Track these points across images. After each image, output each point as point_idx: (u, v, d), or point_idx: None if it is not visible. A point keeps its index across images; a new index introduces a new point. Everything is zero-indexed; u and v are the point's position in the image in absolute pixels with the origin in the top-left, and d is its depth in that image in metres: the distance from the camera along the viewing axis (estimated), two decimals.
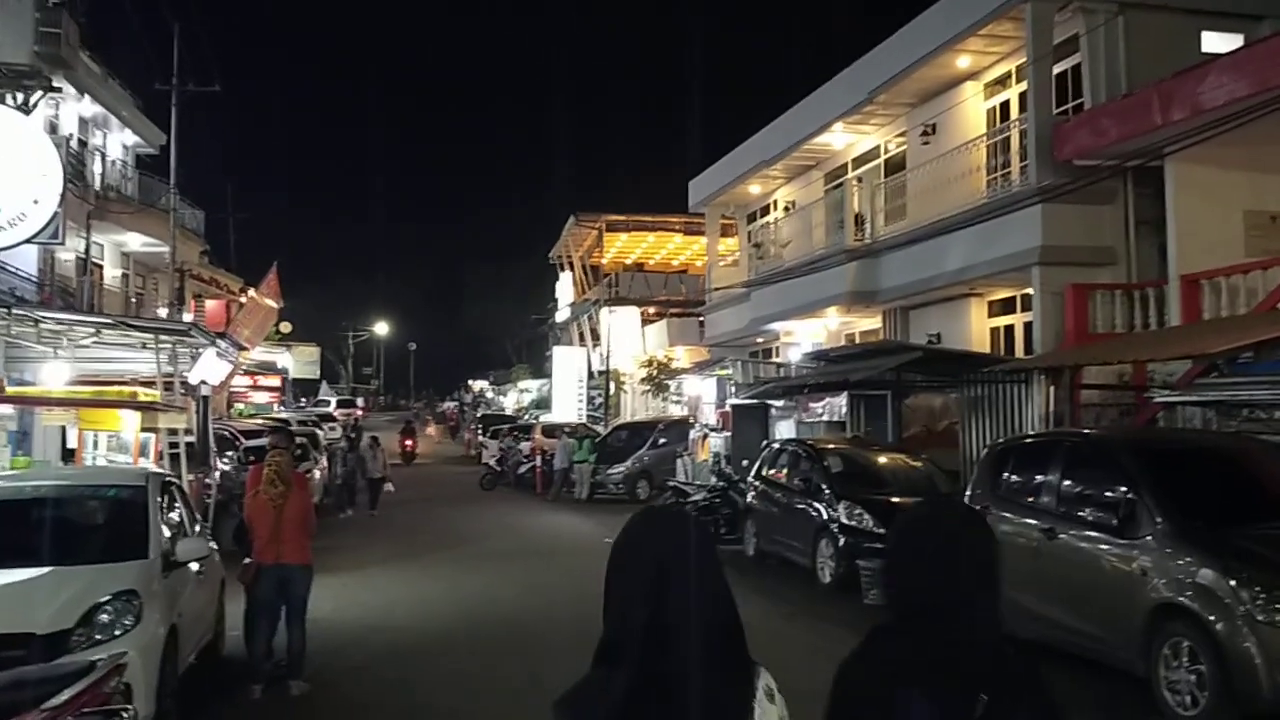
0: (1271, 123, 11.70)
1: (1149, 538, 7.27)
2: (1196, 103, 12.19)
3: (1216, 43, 14.44)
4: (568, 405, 38.55)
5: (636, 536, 2.11)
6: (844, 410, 16.94)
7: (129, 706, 3.71)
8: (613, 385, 37.98)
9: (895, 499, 12.47)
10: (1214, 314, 12.49)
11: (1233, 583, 6.62)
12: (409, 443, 37.87)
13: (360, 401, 63.83)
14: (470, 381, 79.88)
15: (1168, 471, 7.73)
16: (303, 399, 49.95)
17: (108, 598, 6.25)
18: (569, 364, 40.74)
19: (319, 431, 25.60)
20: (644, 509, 2.25)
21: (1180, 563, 7.00)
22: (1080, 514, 7.94)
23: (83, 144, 26.94)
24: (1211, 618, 6.63)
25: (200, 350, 13.81)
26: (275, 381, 38.20)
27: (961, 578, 2.15)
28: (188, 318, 27.51)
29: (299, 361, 45.00)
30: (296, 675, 7.87)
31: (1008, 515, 8.89)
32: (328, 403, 50.97)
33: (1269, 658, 6.37)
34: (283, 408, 36.17)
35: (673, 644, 1.99)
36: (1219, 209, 13.31)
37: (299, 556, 7.87)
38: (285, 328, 40.91)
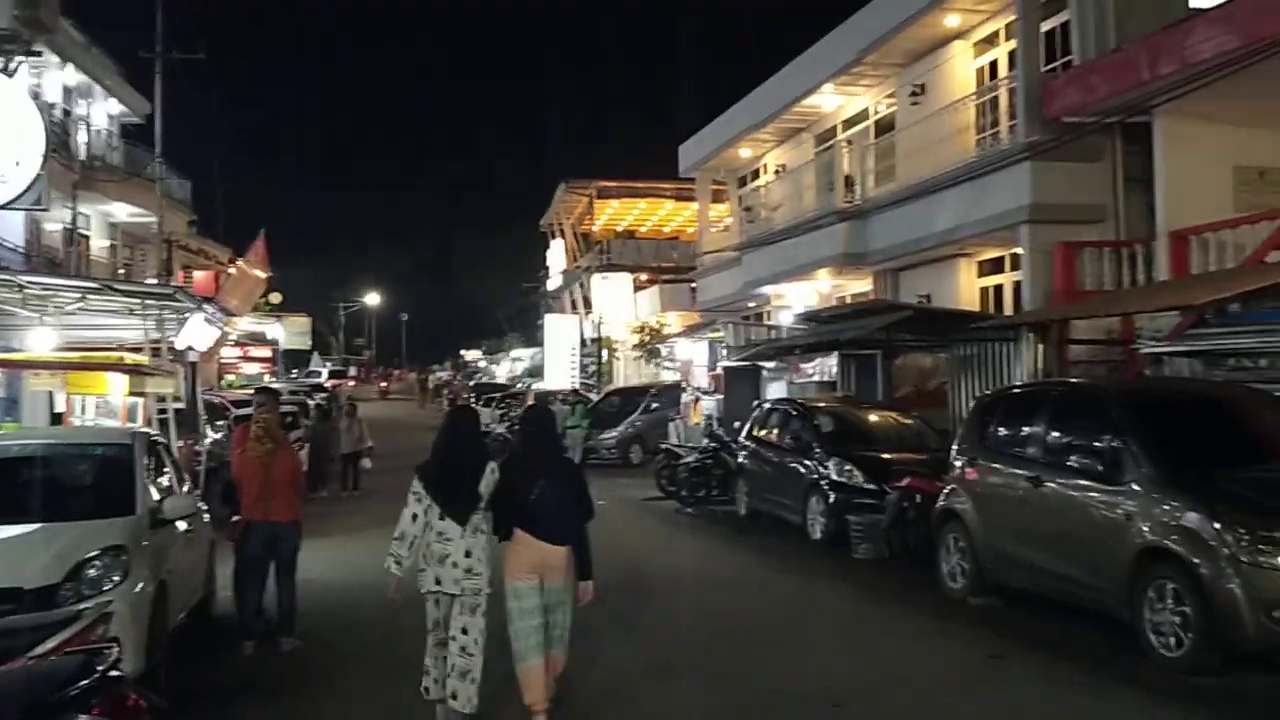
0: (1260, 77, 11.63)
1: (1134, 483, 7.30)
2: (1184, 56, 12.12)
3: None
4: (560, 373, 38.54)
5: (446, 421, 6.55)
6: (835, 370, 16.95)
7: (111, 645, 3.73)
8: (605, 352, 37.96)
9: (886, 455, 12.52)
10: (1202, 269, 12.48)
11: (1217, 525, 6.67)
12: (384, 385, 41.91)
13: (352, 371, 63.77)
14: (463, 351, 79.85)
15: (1153, 418, 7.76)
16: (294, 370, 49.90)
17: (95, 553, 6.26)
18: (561, 332, 40.69)
19: (310, 401, 25.53)
20: (450, 409, 6.27)
21: (1165, 507, 7.04)
22: (1066, 462, 7.97)
23: (66, 113, 26.73)
24: (1196, 560, 6.68)
25: (187, 316, 13.77)
26: (266, 352, 38.12)
27: (529, 434, 6.43)
28: None
29: (290, 332, 44.85)
30: (288, 632, 7.91)
31: (996, 465, 8.95)
32: (319, 373, 50.92)
33: (1252, 598, 6.43)
34: (274, 378, 36.10)
35: (456, 450, 6.07)
36: (1208, 165, 13.26)
37: (288, 513, 7.88)
38: (276, 298, 40.76)
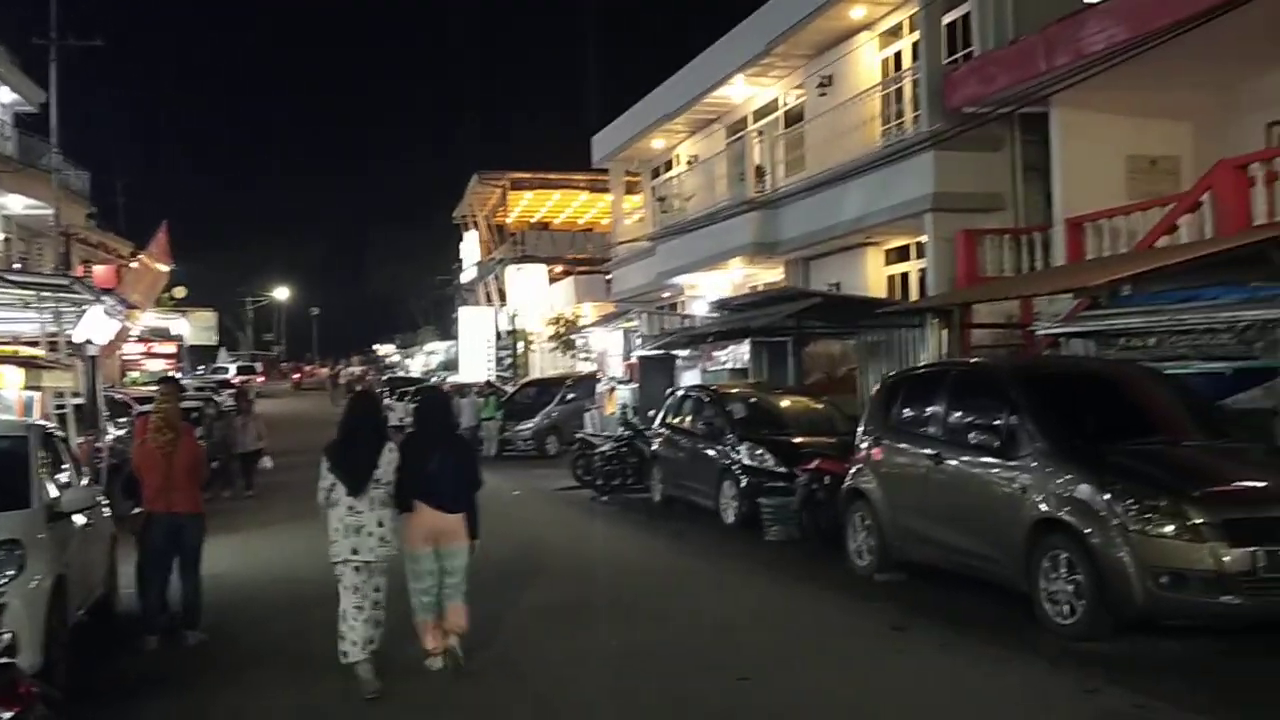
0: (1149, 69, 12.10)
1: (1029, 458, 7.56)
2: (1078, 48, 12.53)
3: None
4: (476, 366, 38.29)
5: (347, 405, 7.20)
6: (746, 358, 17.17)
7: (4, 634, 3.65)
8: (521, 344, 37.82)
9: (796, 440, 12.74)
10: (1096, 254, 12.93)
11: (1107, 496, 6.94)
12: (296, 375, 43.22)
13: (259, 367, 62.46)
14: (375, 345, 78.76)
15: (1047, 395, 8.05)
16: (200, 366, 48.69)
17: None
18: (476, 324, 40.41)
19: (216, 398, 24.96)
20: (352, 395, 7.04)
21: (1059, 480, 7.30)
22: (966, 439, 8.21)
23: None
24: (1087, 530, 6.95)
25: (86, 308, 13.35)
26: (171, 348, 37.13)
27: (424, 415, 7.29)
28: None
29: (196, 327, 43.72)
30: (193, 626, 7.76)
31: (900, 445, 9.18)
32: (226, 369, 49.78)
33: (1140, 566, 6.71)
34: (180, 375, 35.17)
35: (355, 431, 6.66)
36: (1102, 153, 13.73)
37: (190, 505, 7.74)
38: (180, 292, 39.73)
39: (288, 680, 6.79)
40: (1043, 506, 7.31)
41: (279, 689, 6.65)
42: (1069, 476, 7.26)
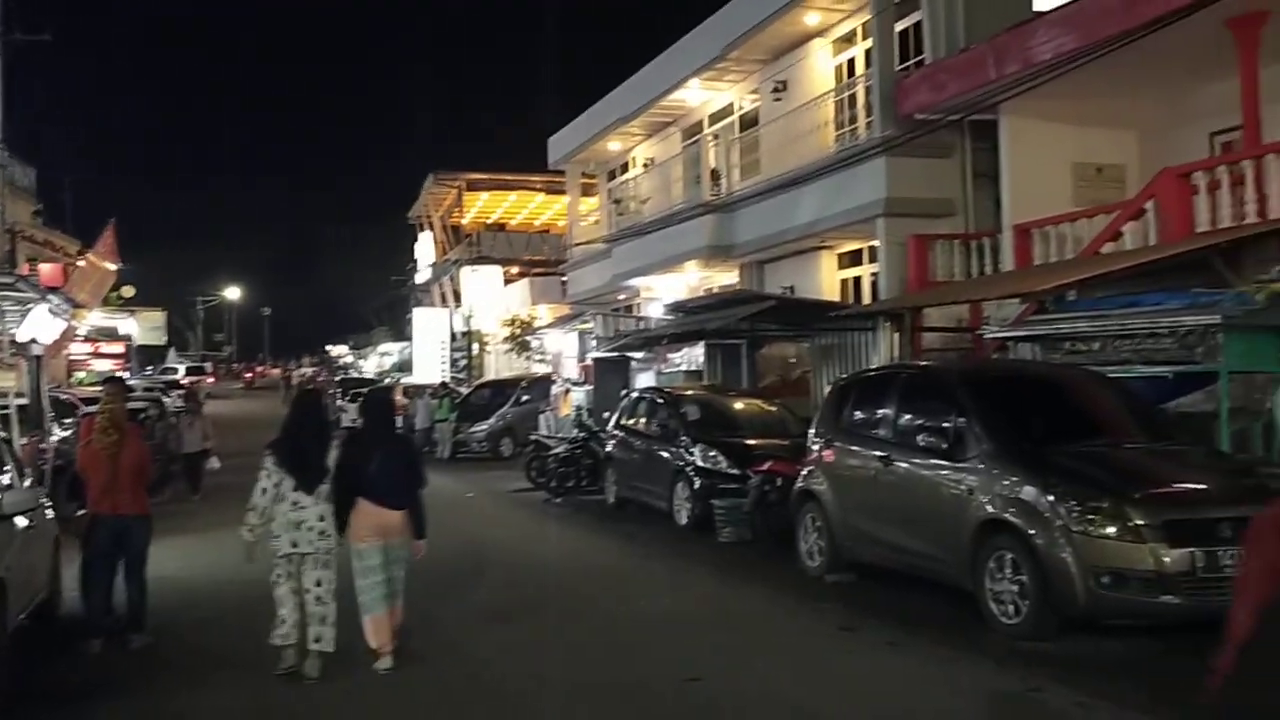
0: (1097, 79, 12.34)
1: (976, 460, 7.68)
2: (1026, 56, 12.75)
3: (1046, 0, 15.05)
4: (430, 367, 38.03)
5: (293, 403, 7.40)
6: (701, 360, 17.25)
7: None
8: (475, 345, 37.64)
9: (749, 441, 12.81)
10: (1043, 260, 13.17)
11: (1050, 497, 7.07)
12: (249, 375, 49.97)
13: (209, 368, 61.61)
14: (328, 346, 77.99)
15: (993, 398, 8.18)
16: (149, 366, 47.91)
17: None
18: (430, 325, 40.13)
19: (165, 399, 24.58)
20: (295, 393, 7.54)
21: (1004, 481, 7.42)
22: (914, 441, 8.32)
23: None
24: (1032, 531, 7.07)
25: (30, 306, 13.14)
26: (119, 349, 36.51)
27: (369, 415, 7.34)
28: None
29: (145, 327, 43.01)
30: (138, 629, 7.64)
31: (850, 447, 9.28)
32: (175, 370, 49.03)
33: (1083, 566, 6.83)
34: (128, 375, 34.59)
35: (302, 428, 6.81)
36: (1049, 161, 13.99)
37: (136, 507, 7.62)
38: (128, 292, 39.02)
39: (235, 681, 6.72)
40: (988, 508, 7.43)
41: (226, 690, 6.58)
42: (1014, 478, 7.38)
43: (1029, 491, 7.21)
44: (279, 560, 6.65)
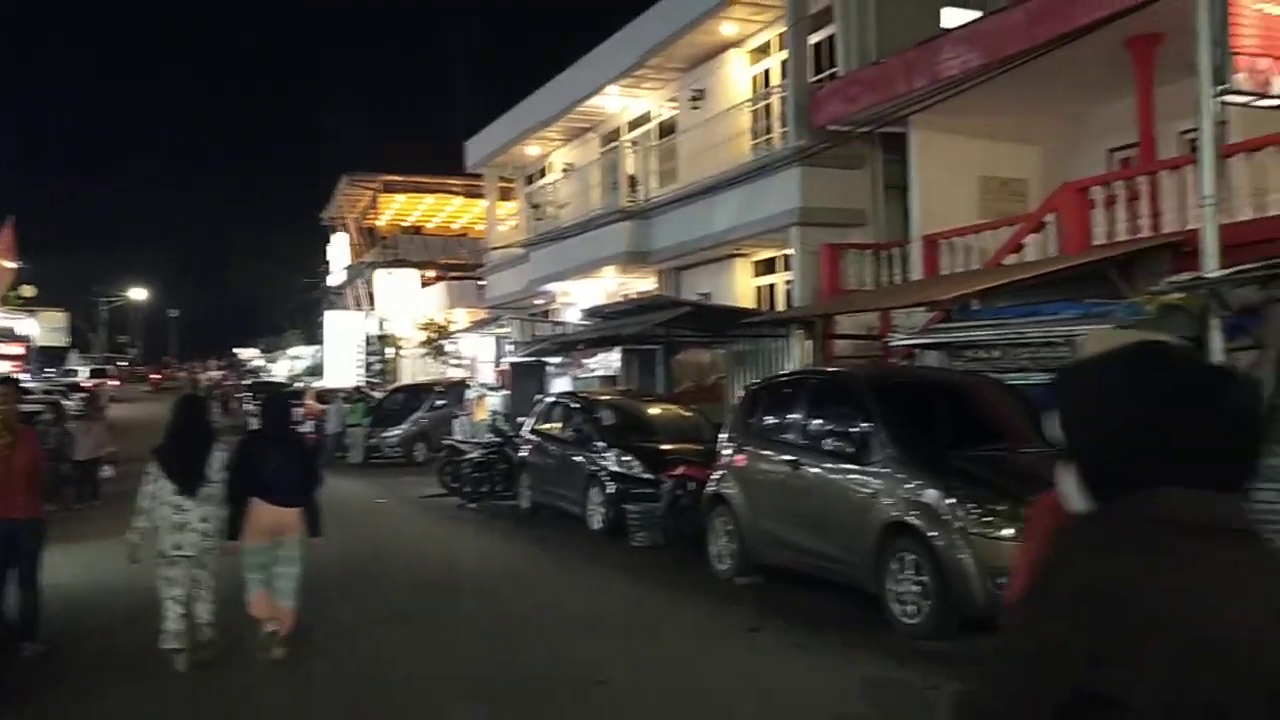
0: (1003, 95, 12.72)
1: (880, 463, 7.86)
2: (934, 71, 13.07)
3: (953, 18, 15.45)
4: (343, 371, 37.47)
5: (174, 409, 7.25)
6: (618, 365, 17.30)
7: None
8: (391, 349, 37.21)
9: (663, 446, 12.89)
10: (950, 270, 13.50)
11: (951, 500, 7.26)
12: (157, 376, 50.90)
13: (112, 370, 59.82)
14: (236, 349, 76.31)
15: (898, 403, 8.38)
16: (50, 368, 46.36)
17: None
18: (343, 329, 39.56)
19: (66, 402, 23.79)
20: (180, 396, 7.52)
21: (908, 485, 7.61)
22: (822, 445, 8.47)
23: None
24: (933, 533, 7.25)
25: None
26: (18, 349, 35.28)
27: (266, 416, 7.79)
28: None
29: (45, 328, 41.74)
30: (30, 637, 7.40)
31: (762, 452, 9.40)
32: (77, 372, 47.52)
33: (982, 567, 7.03)
34: (27, 377, 33.43)
35: (184, 434, 6.94)
36: (956, 174, 14.35)
37: (28, 510, 7.38)
38: (28, 291, 37.77)
39: (128, 687, 6.58)
40: (892, 511, 7.61)
41: (119, 696, 6.44)
42: (917, 482, 7.57)
43: (931, 495, 7.40)
44: (163, 562, 6.73)
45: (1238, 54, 8.56)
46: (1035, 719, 1.36)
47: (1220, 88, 8.59)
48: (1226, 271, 8.38)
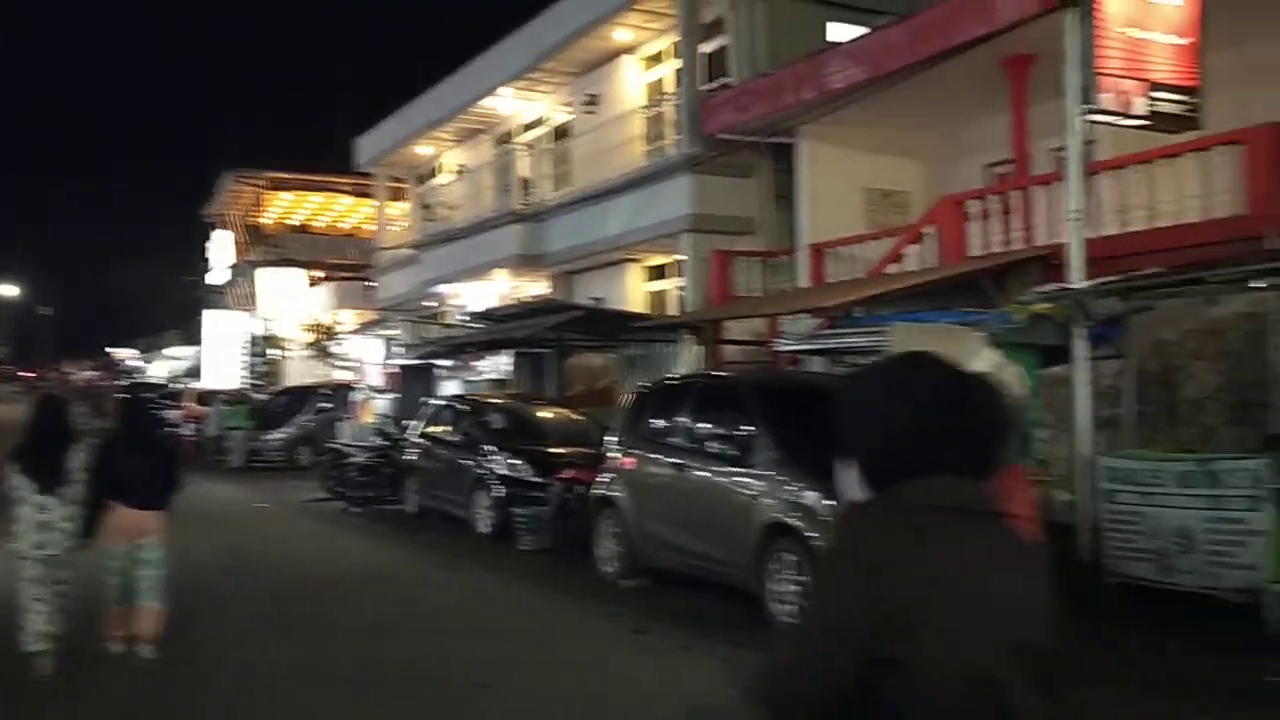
0: (886, 110, 13.11)
1: (763, 466, 8.00)
2: (821, 84, 13.38)
3: (839, 32, 15.82)
4: (224, 372, 36.38)
5: (33, 409, 7.08)
6: (509, 369, 17.22)
7: None
8: (275, 350, 36.30)
9: (552, 450, 12.87)
10: (836, 278, 13.83)
11: (830, 502, 7.41)
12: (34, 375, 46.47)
13: None
14: (110, 349, 73.47)
15: (780, 407, 8.53)
16: None
17: None
18: (224, 328, 38.43)
19: None
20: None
21: (788, 487, 7.77)
22: (708, 448, 8.59)
23: None
24: (812, 534, 7.41)
25: None
26: None
27: (125, 418, 7.71)
28: None
29: None
30: None
31: (649, 455, 9.48)
32: None
33: None
34: None
35: (43, 434, 6.79)
36: (842, 185, 14.71)
37: None
38: None
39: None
40: (773, 512, 7.76)
41: None
42: (798, 484, 7.72)
43: (810, 496, 7.57)
44: (25, 562, 6.64)
45: (1103, 75, 8.99)
46: (834, 683, 1.57)
47: (1086, 107, 9.01)
48: (1091, 283, 8.80)
